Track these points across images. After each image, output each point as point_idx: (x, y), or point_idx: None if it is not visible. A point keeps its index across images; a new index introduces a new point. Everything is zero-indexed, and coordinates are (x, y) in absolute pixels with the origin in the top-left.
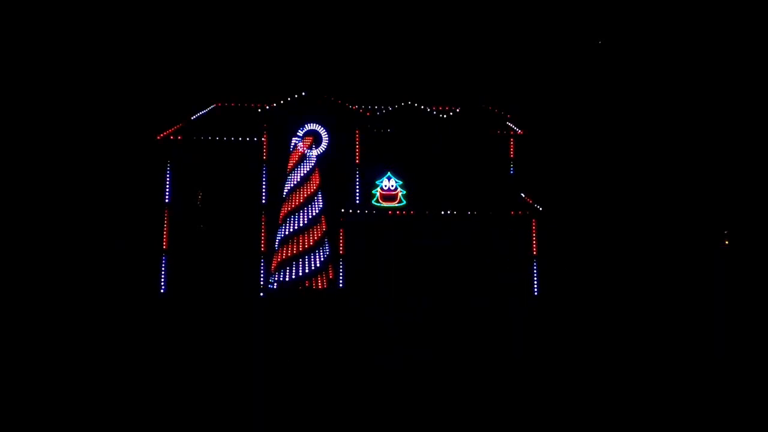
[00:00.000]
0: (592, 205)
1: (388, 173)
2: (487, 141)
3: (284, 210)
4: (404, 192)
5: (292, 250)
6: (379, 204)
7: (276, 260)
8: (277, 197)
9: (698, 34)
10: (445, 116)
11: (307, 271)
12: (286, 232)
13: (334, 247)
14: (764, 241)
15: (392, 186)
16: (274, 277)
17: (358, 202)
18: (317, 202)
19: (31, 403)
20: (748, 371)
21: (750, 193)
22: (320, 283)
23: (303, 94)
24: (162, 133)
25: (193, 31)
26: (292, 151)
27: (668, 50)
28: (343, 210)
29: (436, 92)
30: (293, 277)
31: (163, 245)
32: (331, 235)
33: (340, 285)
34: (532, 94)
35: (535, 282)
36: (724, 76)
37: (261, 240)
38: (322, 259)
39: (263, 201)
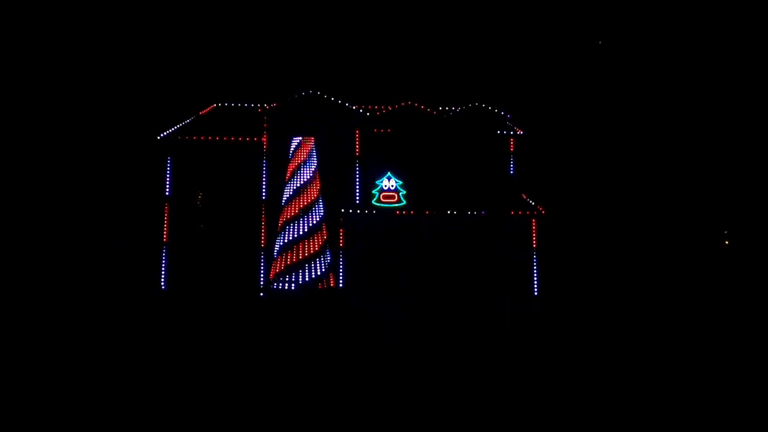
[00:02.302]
0: (593, 204)
1: (388, 173)
2: (487, 141)
3: (284, 210)
4: (404, 192)
5: (292, 250)
6: (379, 204)
7: (277, 261)
8: (277, 197)
9: (698, 34)
10: (445, 116)
11: (307, 271)
12: (287, 233)
13: (334, 247)
14: (764, 241)
15: (392, 186)
16: (277, 276)
17: (358, 202)
18: (317, 201)
19: (31, 402)
20: (748, 371)
21: (750, 193)
22: (321, 283)
23: (303, 93)
24: (162, 133)
25: (193, 31)
26: (292, 151)
27: (668, 50)
28: (343, 210)
29: (436, 92)
30: (293, 277)
31: (163, 245)
32: (331, 235)
33: (340, 285)
34: (532, 94)
35: (535, 282)
36: (724, 76)
37: (261, 240)
38: (322, 258)
39: (263, 201)
